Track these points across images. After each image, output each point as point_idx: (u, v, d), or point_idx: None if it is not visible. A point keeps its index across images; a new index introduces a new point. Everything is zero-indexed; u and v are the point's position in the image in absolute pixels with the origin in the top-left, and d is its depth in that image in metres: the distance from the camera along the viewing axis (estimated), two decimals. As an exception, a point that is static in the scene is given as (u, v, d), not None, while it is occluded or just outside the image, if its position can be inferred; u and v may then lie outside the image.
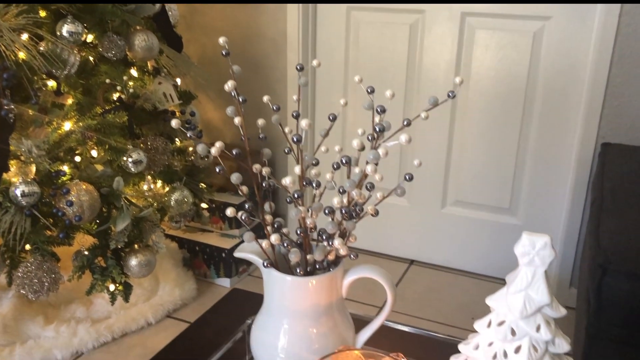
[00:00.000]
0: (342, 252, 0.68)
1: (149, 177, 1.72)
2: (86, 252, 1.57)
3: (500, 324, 0.60)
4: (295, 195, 0.64)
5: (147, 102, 1.65)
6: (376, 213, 0.71)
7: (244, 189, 0.69)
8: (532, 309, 0.58)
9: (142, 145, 1.63)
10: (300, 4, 2.06)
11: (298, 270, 0.69)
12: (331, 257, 0.70)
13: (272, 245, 0.70)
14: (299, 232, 0.67)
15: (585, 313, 1.18)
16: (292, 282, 0.69)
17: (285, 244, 0.69)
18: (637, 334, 1.07)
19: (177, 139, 1.82)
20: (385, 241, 2.27)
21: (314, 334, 0.71)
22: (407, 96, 2.06)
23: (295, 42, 2.10)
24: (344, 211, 0.65)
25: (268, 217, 0.71)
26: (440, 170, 2.10)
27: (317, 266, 0.71)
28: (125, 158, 1.55)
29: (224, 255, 1.99)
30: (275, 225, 0.70)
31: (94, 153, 1.54)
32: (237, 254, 0.73)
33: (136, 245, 1.65)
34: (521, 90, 1.91)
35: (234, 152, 0.68)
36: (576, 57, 1.81)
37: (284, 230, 0.72)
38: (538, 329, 0.59)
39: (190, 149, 1.84)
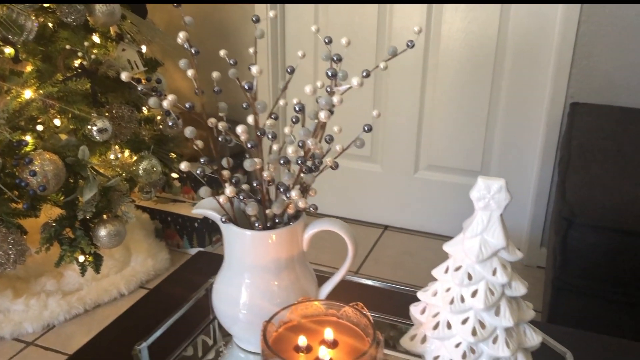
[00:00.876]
0: (301, 204, 0.67)
1: (116, 146, 1.68)
2: (53, 224, 1.54)
3: (457, 269, 0.60)
4: (249, 145, 0.63)
5: (111, 69, 1.61)
6: (335, 166, 0.70)
7: (199, 143, 0.68)
8: (488, 253, 0.58)
9: (107, 113, 1.59)
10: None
11: (257, 225, 0.68)
12: (290, 210, 0.69)
13: (230, 201, 0.69)
14: (255, 184, 0.66)
15: (551, 268, 1.19)
16: (251, 236, 0.68)
17: (241, 197, 0.67)
18: (601, 285, 1.09)
19: (144, 108, 1.79)
20: (358, 208, 2.27)
21: (275, 288, 0.70)
22: (378, 60, 2.05)
23: (262, 7, 2.07)
24: (300, 162, 0.64)
25: (225, 173, 0.70)
26: (412, 136, 2.10)
27: (277, 220, 0.70)
28: (89, 127, 1.52)
29: (196, 225, 1.98)
30: (234, 181, 0.69)
31: (57, 122, 1.50)
32: (195, 210, 0.71)
33: (105, 216, 1.62)
34: (491, 51, 1.90)
35: (186, 105, 0.66)
36: (545, 17, 1.80)
37: (244, 186, 0.71)
38: (494, 272, 0.59)
39: (159, 117, 1.81)
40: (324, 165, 0.69)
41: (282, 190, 0.65)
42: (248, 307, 0.71)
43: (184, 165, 0.65)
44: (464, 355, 0.59)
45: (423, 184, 2.15)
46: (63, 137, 1.55)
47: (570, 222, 1.07)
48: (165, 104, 0.63)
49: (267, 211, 0.70)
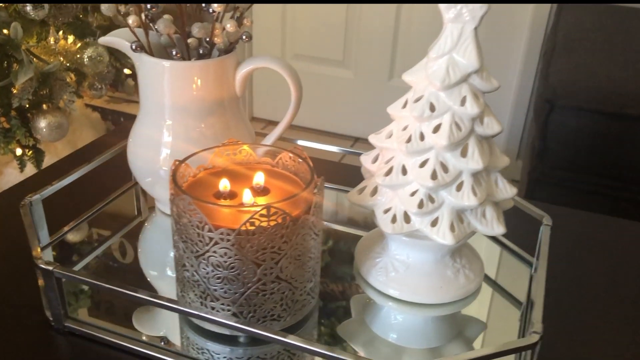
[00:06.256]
0: (230, 27, 0.54)
1: (59, 31, 1.51)
2: (-17, 110, 1.39)
3: (417, 100, 0.48)
4: None
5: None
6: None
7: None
8: (457, 77, 0.46)
9: (44, -11, 1.41)
10: None
11: (174, 53, 0.55)
12: (218, 40, 0.56)
13: (145, 29, 0.55)
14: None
15: (529, 161, 1.09)
16: (169, 68, 0.55)
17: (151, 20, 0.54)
18: (581, 176, 0.99)
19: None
20: (327, 118, 2.14)
21: (200, 136, 0.58)
22: None
23: None
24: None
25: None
26: (388, 40, 1.95)
27: (203, 53, 0.57)
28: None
29: (152, 126, 1.84)
30: (149, 6, 0.56)
31: (-17, -7, 1.33)
32: (102, 39, 0.58)
33: (45, 106, 1.47)
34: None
35: None
36: None
37: (165, 16, 0.57)
38: (463, 102, 0.47)
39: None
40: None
41: (205, 7, 0.51)
42: (169, 162, 0.59)
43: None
44: (421, 205, 0.48)
45: (398, 93, 2.02)
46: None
47: (552, 104, 0.95)
48: None
49: (189, 40, 0.57)
